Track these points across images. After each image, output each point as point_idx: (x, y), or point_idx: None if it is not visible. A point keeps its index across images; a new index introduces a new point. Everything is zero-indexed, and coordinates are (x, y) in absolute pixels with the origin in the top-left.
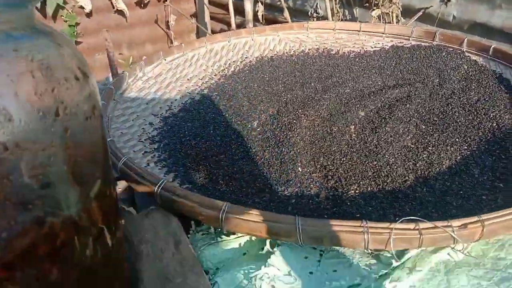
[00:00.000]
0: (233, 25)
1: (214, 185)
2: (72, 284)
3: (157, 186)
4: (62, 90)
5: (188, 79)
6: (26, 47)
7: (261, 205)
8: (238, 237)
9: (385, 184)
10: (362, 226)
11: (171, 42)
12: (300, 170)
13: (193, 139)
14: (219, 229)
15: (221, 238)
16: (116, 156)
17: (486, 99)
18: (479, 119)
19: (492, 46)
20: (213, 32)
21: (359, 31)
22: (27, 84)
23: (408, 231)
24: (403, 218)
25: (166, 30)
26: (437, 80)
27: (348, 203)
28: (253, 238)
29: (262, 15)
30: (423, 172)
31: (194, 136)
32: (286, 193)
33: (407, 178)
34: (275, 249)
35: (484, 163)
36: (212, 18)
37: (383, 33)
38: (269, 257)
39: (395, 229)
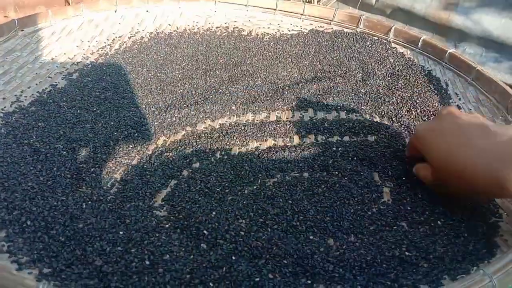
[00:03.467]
0: None
1: (56, 233)
2: None
3: None
4: None
5: (52, 59)
6: None
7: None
8: None
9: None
10: None
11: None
12: (187, 196)
13: (43, 146)
14: None
15: None
16: None
17: (416, 100)
18: (408, 129)
19: (422, 38)
20: None
21: (275, 9)
22: None
23: None
24: None
25: None
26: (360, 74)
27: (242, 262)
28: None
29: None
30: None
31: (47, 141)
32: (152, 239)
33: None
34: None
35: (419, 197)
36: None
37: (302, 14)
38: None
39: None
